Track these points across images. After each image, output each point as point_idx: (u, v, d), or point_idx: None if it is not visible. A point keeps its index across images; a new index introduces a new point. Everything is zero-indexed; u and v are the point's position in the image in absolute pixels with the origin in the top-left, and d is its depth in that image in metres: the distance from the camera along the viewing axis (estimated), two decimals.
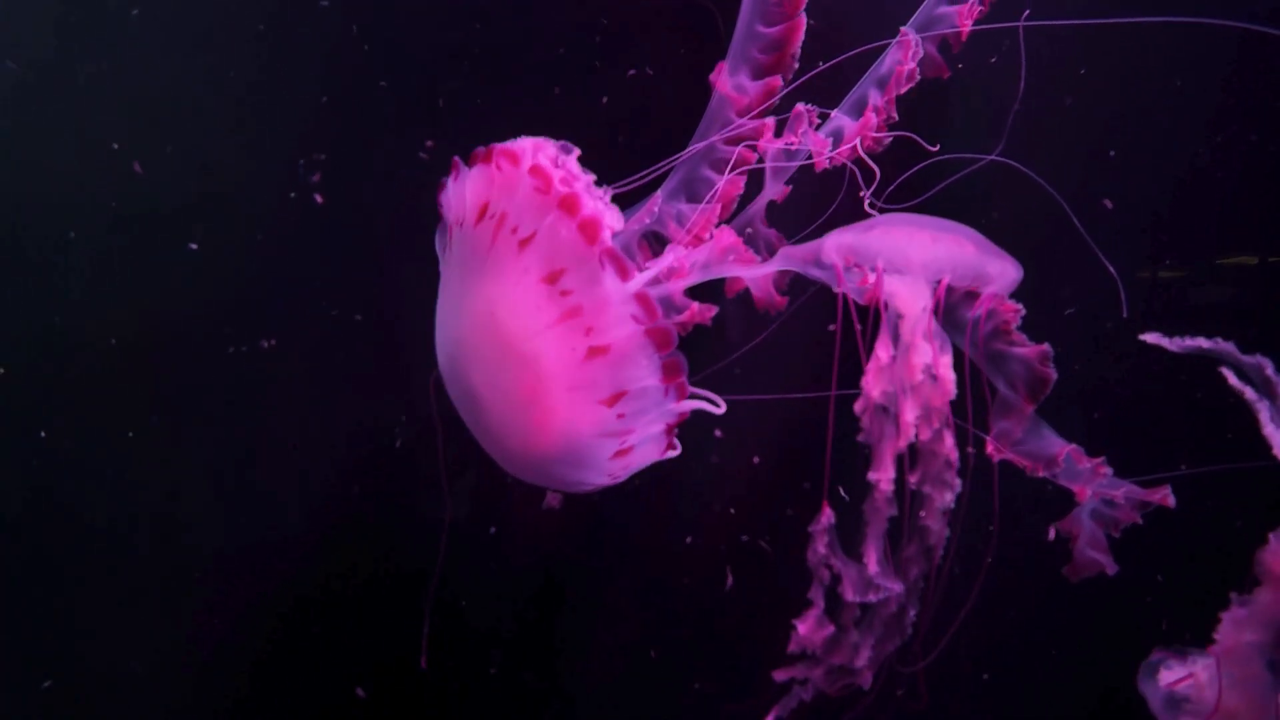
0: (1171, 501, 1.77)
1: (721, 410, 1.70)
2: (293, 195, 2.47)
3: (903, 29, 1.78)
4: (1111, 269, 1.83)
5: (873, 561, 1.79)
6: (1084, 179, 2.24)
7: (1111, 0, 2.01)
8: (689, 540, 2.58)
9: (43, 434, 2.63)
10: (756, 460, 2.38)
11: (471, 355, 1.75)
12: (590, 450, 1.73)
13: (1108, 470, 1.82)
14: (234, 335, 2.58)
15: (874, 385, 1.72)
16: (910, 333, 1.72)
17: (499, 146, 1.70)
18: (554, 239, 1.61)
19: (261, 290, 2.57)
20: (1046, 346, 1.76)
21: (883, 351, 1.72)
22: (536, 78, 2.43)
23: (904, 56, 1.74)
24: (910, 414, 1.71)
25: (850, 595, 1.83)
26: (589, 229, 1.61)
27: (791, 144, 1.76)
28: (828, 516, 1.79)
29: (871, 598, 1.83)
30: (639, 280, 1.62)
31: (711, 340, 1.94)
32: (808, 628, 1.83)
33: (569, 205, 1.61)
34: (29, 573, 2.68)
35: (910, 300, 1.73)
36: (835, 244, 1.73)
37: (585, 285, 1.60)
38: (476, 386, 1.77)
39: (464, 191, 1.76)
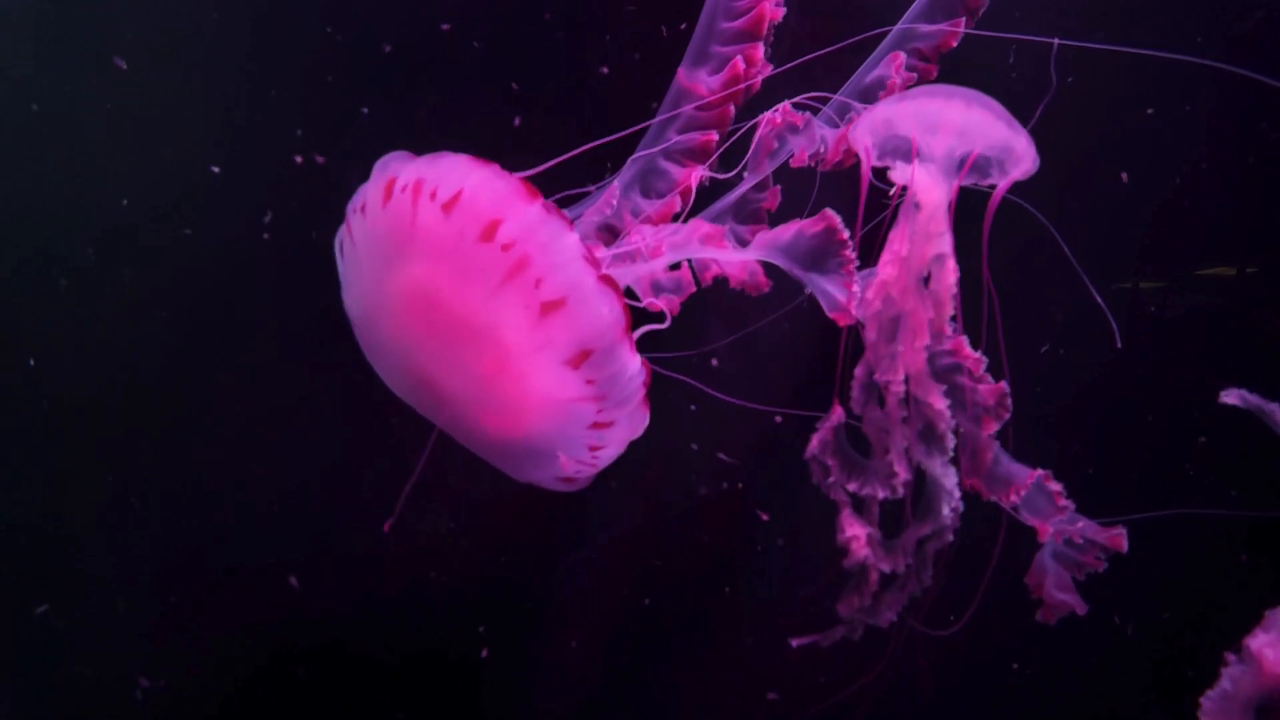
0: (1124, 545, 1.76)
1: (666, 323, 1.64)
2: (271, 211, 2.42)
3: (895, 53, 1.72)
4: (1100, 300, 1.77)
5: (901, 470, 1.79)
6: (1070, 188, 2.17)
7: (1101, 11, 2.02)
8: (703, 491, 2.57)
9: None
10: (779, 420, 2.32)
11: (418, 348, 1.61)
12: (568, 421, 1.60)
13: (1069, 504, 1.78)
14: (223, 341, 2.54)
15: (888, 272, 1.71)
16: (926, 223, 1.69)
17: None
18: (488, 191, 1.47)
19: (247, 302, 2.54)
20: (1004, 385, 1.73)
21: (898, 243, 1.70)
22: (502, 78, 2.37)
23: (891, 72, 1.68)
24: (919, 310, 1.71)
25: (855, 488, 1.83)
26: (529, 186, 1.49)
27: (774, 124, 1.69)
28: (838, 415, 1.78)
29: (881, 493, 1.82)
30: (591, 210, 1.54)
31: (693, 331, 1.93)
32: (852, 527, 1.81)
33: (504, 170, 1.50)
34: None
35: (929, 191, 1.69)
36: (867, 120, 1.70)
37: (528, 233, 1.47)
38: (432, 379, 1.63)
39: (370, 179, 1.62)
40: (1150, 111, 2.25)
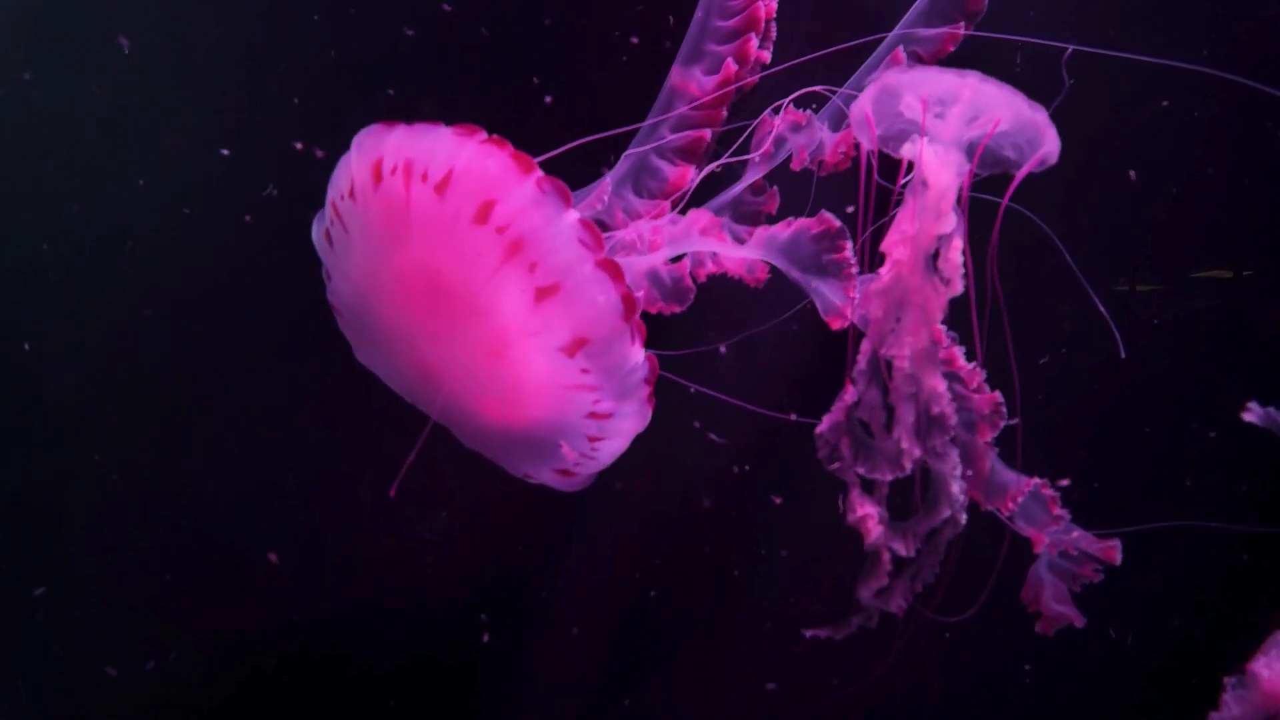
0: (1117, 558, 1.74)
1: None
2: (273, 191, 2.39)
3: (896, 52, 1.68)
4: (1104, 309, 1.73)
5: (909, 445, 1.74)
6: (1075, 190, 2.17)
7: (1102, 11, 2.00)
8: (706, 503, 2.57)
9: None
10: (794, 417, 2.28)
11: (415, 335, 1.57)
12: (564, 409, 1.56)
13: (1064, 513, 1.76)
14: (220, 338, 2.51)
15: (899, 252, 1.66)
16: (936, 202, 1.64)
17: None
18: (479, 169, 1.42)
19: (245, 298, 2.50)
20: (998, 395, 1.71)
21: (907, 223, 1.65)
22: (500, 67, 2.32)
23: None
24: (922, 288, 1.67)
25: (864, 470, 1.80)
26: (522, 158, 1.43)
27: (774, 129, 1.67)
28: (851, 394, 1.73)
29: (890, 474, 1.79)
30: (582, 205, 1.49)
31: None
32: (863, 507, 1.78)
33: (498, 140, 1.43)
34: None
35: (939, 170, 1.64)
36: (872, 90, 1.64)
37: (521, 215, 1.42)
38: (429, 366, 1.59)
39: (352, 158, 1.56)
40: (1165, 104, 2.22)
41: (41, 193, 2.47)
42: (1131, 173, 2.22)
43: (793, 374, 2.24)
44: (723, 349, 2.19)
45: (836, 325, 1.62)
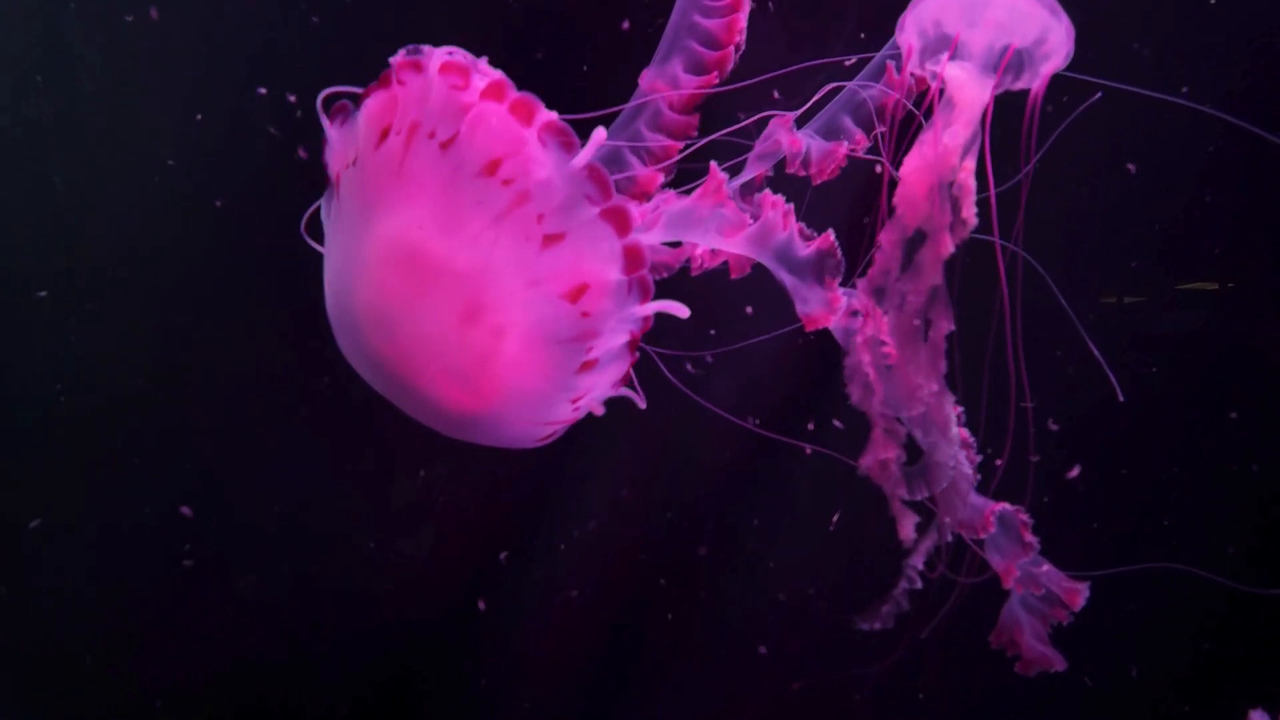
0: (1079, 603, 1.66)
1: (685, 314, 1.50)
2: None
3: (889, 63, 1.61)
4: (1097, 352, 1.65)
5: (919, 373, 1.67)
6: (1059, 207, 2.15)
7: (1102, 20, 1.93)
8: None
9: None
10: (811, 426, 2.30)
11: (403, 297, 1.49)
12: (556, 361, 1.50)
13: (1034, 541, 1.68)
14: (210, 347, 2.51)
15: (914, 183, 1.59)
16: (958, 120, 1.59)
17: (399, 61, 1.46)
18: (484, 129, 1.39)
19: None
20: (965, 432, 1.67)
21: (928, 146, 1.60)
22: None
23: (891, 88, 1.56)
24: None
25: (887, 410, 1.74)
26: (522, 108, 1.39)
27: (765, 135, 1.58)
28: (870, 326, 1.65)
29: (902, 411, 1.72)
30: (585, 154, 1.41)
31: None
32: (884, 450, 1.73)
33: (496, 91, 1.40)
34: None
35: (966, 89, 1.59)
36: (915, 18, 1.60)
37: (528, 169, 1.40)
38: (413, 330, 1.51)
39: (355, 125, 1.51)
40: (1185, 90, 2.12)
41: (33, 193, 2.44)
42: (1131, 166, 2.18)
43: (800, 378, 2.23)
44: (749, 310, 2.15)
45: (811, 327, 1.55)
